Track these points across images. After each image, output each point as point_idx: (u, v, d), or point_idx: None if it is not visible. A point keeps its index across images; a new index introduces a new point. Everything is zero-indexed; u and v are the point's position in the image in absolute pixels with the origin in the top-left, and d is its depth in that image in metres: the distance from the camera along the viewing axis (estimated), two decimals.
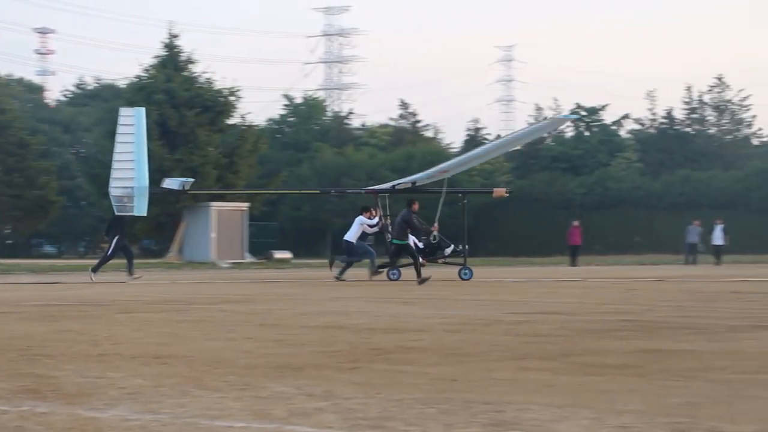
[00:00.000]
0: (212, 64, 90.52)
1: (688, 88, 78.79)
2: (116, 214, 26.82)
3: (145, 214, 27.95)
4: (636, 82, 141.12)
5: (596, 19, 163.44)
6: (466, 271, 25.65)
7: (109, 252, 26.41)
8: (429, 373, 7.64)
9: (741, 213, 63.87)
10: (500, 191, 28.70)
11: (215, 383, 7.13)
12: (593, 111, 78.80)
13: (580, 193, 67.08)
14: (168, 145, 52.04)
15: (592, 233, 53.02)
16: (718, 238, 43.68)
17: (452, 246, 26.53)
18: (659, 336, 10.50)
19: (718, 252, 43.58)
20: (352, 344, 9.76)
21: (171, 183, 28.95)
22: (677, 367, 7.92)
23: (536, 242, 60.04)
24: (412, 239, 25.76)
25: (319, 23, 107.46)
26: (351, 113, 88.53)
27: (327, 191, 37.32)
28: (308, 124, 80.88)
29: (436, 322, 12.51)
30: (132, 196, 26.72)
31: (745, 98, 78.61)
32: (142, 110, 28.12)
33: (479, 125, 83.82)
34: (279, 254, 50.97)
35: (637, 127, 79.70)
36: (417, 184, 27.93)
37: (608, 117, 78.88)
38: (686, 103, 78.59)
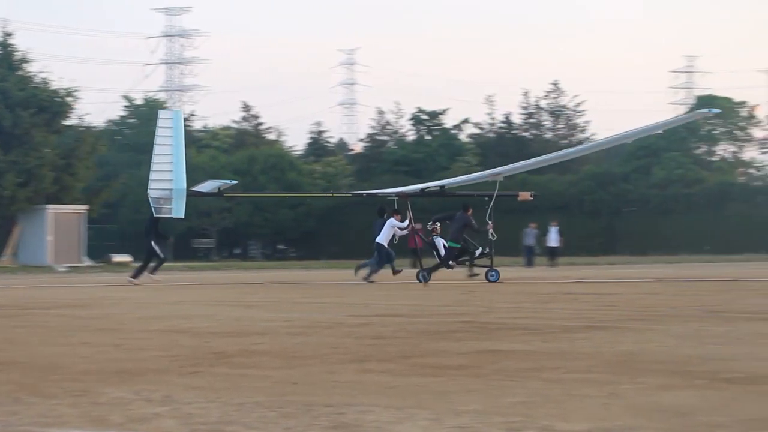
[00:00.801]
0: (49, 64, 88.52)
1: (526, 94, 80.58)
2: (153, 215, 27.21)
3: (182, 216, 27.90)
4: (476, 87, 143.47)
5: (438, 24, 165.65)
6: (493, 272, 25.85)
7: (160, 254, 27.25)
8: (270, 376, 7.64)
9: (576, 215, 65.66)
10: (525, 195, 28.74)
11: (51, 390, 6.98)
12: (434, 115, 79.78)
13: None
14: (2, 146, 50.63)
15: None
16: (553, 239, 44.70)
17: (480, 249, 26.66)
18: (496, 337, 10.71)
19: (553, 253, 44.60)
20: (192, 348, 9.67)
21: (205, 186, 29.12)
22: (513, 367, 8.10)
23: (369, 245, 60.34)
24: (441, 241, 26.53)
25: (159, 24, 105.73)
26: (192, 115, 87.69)
27: (359, 194, 36.18)
28: (149, 125, 79.70)
29: (278, 325, 12.50)
30: (170, 198, 27.01)
31: (579, 104, 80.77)
32: (180, 113, 28.33)
33: (322, 128, 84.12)
34: (118, 257, 50.12)
35: (476, 131, 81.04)
36: (445, 188, 29.14)
37: (449, 121, 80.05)
38: (524, 108, 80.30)
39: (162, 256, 27.46)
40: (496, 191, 27.03)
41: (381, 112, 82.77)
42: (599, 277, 28.76)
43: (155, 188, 27.16)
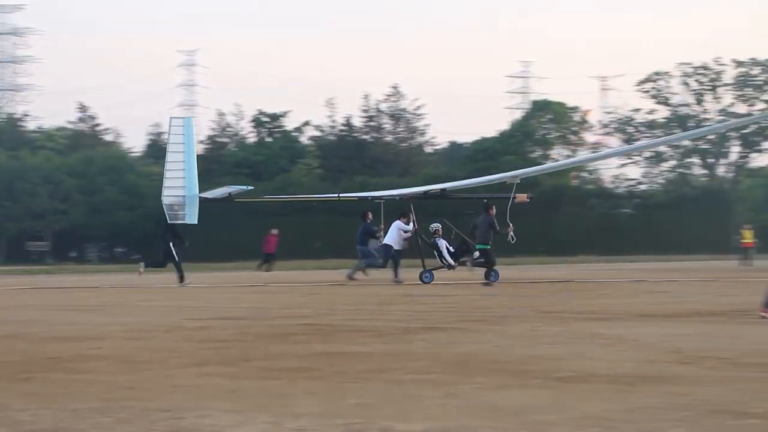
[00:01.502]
0: None
1: (366, 97, 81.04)
2: (168, 222, 27.20)
3: (196, 222, 27.75)
4: (317, 89, 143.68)
5: (280, 26, 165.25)
6: (493, 274, 25.81)
7: (177, 259, 27.01)
8: (106, 381, 7.51)
9: (419, 218, 66.04)
10: (522, 197, 28.44)
11: None
12: (275, 117, 79.57)
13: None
14: None
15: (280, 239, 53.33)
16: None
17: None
18: (337, 339, 10.75)
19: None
20: (26, 354, 9.43)
21: (217, 192, 29.11)
22: (353, 368, 8.14)
23: (220, 247, 59.81)
24: (444, 243, 27.02)
25: None
26: (26, 115, 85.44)
27: (365, 197, 35.54)
28: None
29: (114, 329, 12.28)
30: (183, 205, 27.22)
31: (419, 107, 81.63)
32: (191, 120, 28.37)
33: (161, 130, 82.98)
34: None
35: (317, 133, 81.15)
36: (446, 191, 29.80)
37: (290, 123, 79.92)
38: (364, 111, 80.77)
39: (178, 260, 27.17)
40: (513, 193, 27.47)
41: (221, 114, 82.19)
42: (439, 279, 29.06)
43: (169, 195, 27.39)
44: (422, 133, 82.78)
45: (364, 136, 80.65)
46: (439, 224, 27.75)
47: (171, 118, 29.20)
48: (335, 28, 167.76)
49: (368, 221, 29.07)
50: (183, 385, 7.34)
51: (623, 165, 79.99)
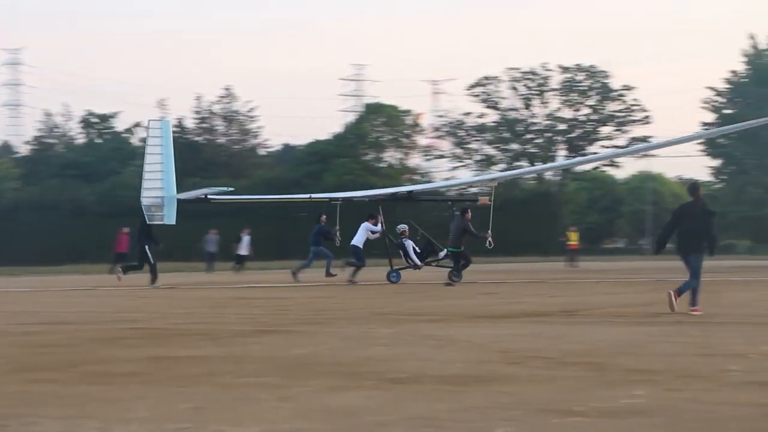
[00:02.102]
0: None
1: (198, 98, 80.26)
2: (147, 222, 27.24)
3: (173, 222, 27.83)
4: (149, 90, 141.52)
5: (110, 26, 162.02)
6: (456, 274, 26.07)
7: (152, 261, 26.63)
8: None
9: (253, 221, 65.60)
10: (485, 200, 29.11)
11: None
12: (105, 118, 78.12)
13: (92, 201, 66.03)
14: None
15: (103, 242, 52.28)
16: (243, 248, 44.30)
17: (444, 250, 27.20)
18: (169, 343, 10.64)
19: (240, 260, 44.18)
20: None
21: (194, 193, 29.42)
22: (185, 372, 8.08)
23: (48, 250, 58.35)
24: (411, 244, 27.38)
25: None
26: None
27: (336, 199, 34.42)
28: None
29: None
30: (161, 206, 27.37)
31: (252, 109, 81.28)
32: (169, 123, 28.98)
33: None
34: None
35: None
36: (413, 193, 30.56)
37: (120, 125, 78.54)
38: (197, 112, 79.96)
39: (153, 261, 26.71)
40: (492, 197, 28.32)
41: (49, 115, 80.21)
42: (273, 282, 29.07)
43: (147, 196, 27.61)
44: (255, 136, 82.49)
45: (197, 138, 79.84)
46: (405, 225, 28.12)
47: (149, 120, 29.70)
48: (166, 29, 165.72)
49: (323, 223, 29.63)
50: (9, 392, 7.16)
51: (455, 168, 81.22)
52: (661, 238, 15.01)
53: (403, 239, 27.72)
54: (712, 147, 75.02)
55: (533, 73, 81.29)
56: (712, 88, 75.10)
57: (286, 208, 69.38)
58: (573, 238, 48.46)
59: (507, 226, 70.76)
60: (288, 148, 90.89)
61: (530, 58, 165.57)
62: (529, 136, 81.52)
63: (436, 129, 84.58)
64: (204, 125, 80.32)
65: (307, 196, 35.36)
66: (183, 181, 67.92)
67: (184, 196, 29.30)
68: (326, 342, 10.63)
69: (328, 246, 29.46)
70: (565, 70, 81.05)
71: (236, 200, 37.31)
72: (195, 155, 76.61)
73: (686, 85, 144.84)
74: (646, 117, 78.87)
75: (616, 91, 79.56)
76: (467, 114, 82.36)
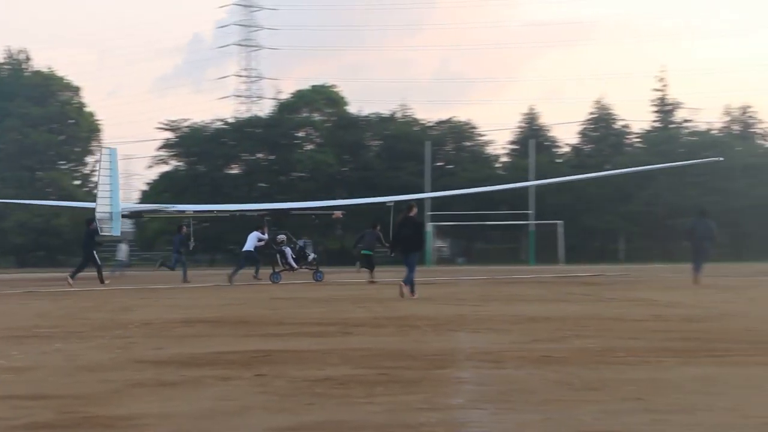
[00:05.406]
0: None
1: None
2: (100, 234, 31.61)
3: (119, 234, 34.02)
4: None
5: None
6: (319, 274, 32.04)
7: (98, 263, 30.20)
8: None
9: None
10: (338, 214, 36.60)
11: None
12: None
13: None
14: None
15: None
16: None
17: (313, 255, 33.48)
18: None
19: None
20: None
21: (137, 207, 34.37)
22: None
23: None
24: (288, 250, 32.41)
25: None
26: None
27: (264, 210, 38.08)
28: None
29: None
30: (110, 219, 32.05)
31: None
32: (116, 150, 33.77)
33: None
34: None
35: None
36: (291, 210, 38.52)
37: None
38: None
39: (99, 263, 30.25)
40: (392, 214, 32.62)
41: None
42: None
43: (101, 211, 32.02)
44: None
45: None
46: (284, 235, 33.00)
47: (102, 147, 37.93)
48: None
49: (182, 233, 34.25)
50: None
51: None
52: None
53: (283, 246, 32.38)
54: None
55: None
56: None
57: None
58: None
59: None
60: None
61: None
62: None
63: None
64: None
65: (236, 211, 39.90)
66: None
67: (125, 211, 34.72)
68: None
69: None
70: None
71: (166, 216, 41.22)
72: None
73: None
74: None
75: None
76: None
